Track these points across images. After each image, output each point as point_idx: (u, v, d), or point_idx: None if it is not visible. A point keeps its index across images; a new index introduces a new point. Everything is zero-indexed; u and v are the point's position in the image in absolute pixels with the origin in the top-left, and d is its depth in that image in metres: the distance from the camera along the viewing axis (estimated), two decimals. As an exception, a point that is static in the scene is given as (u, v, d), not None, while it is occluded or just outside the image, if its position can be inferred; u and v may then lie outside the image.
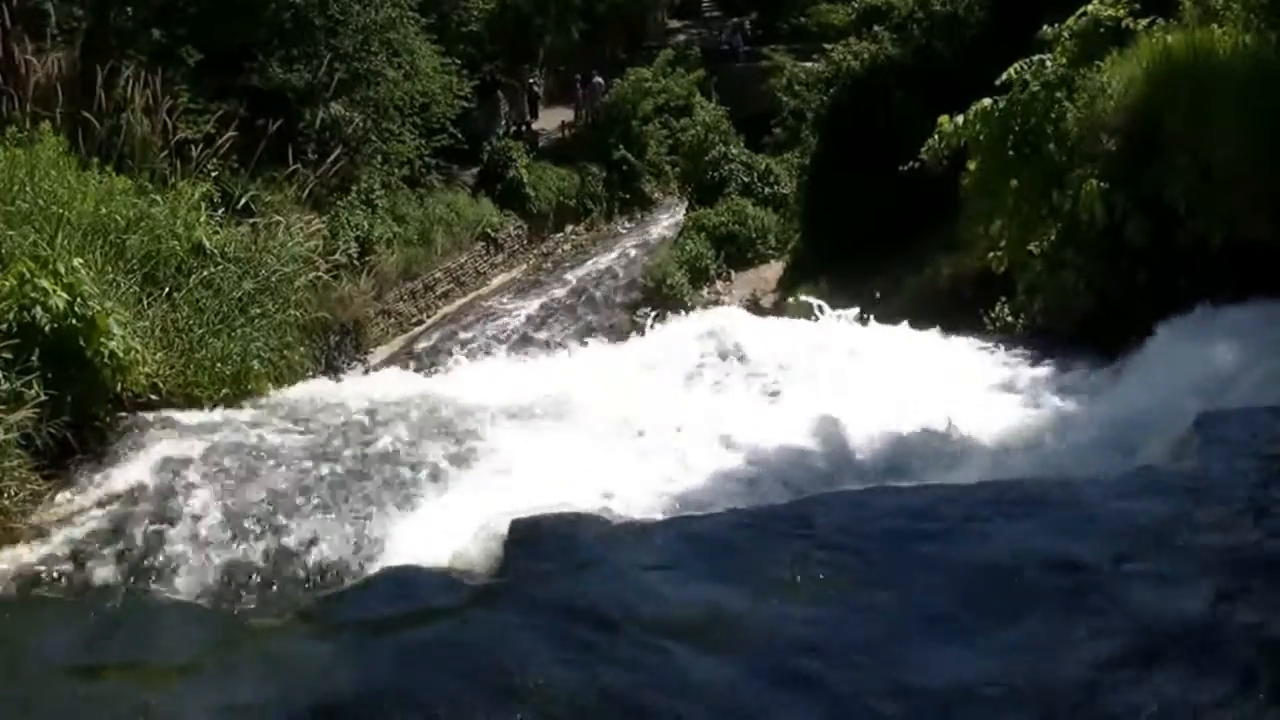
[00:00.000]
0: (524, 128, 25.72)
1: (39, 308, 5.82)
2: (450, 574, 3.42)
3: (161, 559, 5.04)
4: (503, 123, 25.03)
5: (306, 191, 12.17)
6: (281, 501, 5.53)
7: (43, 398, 5.60)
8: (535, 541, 3.31)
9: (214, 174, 9.30)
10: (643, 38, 32.94)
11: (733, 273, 20.80)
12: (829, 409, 6.31)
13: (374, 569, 4.75)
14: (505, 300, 20.97)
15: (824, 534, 3.26)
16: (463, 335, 18.76)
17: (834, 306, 8.81)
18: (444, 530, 4.93)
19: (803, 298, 11.03)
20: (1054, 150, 8.03)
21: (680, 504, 5.22)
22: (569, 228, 24.44)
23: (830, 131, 16.05)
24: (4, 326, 5.69)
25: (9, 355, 5.60)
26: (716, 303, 17.89)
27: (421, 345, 18.03)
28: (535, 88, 26.76)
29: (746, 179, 22.82)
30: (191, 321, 7.21)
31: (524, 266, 22.74)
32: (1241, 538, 2.97)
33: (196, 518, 5.31)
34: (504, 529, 3.41)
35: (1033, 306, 8.47)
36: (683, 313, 10.46)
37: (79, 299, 5.99)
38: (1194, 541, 2.97)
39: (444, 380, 9.23)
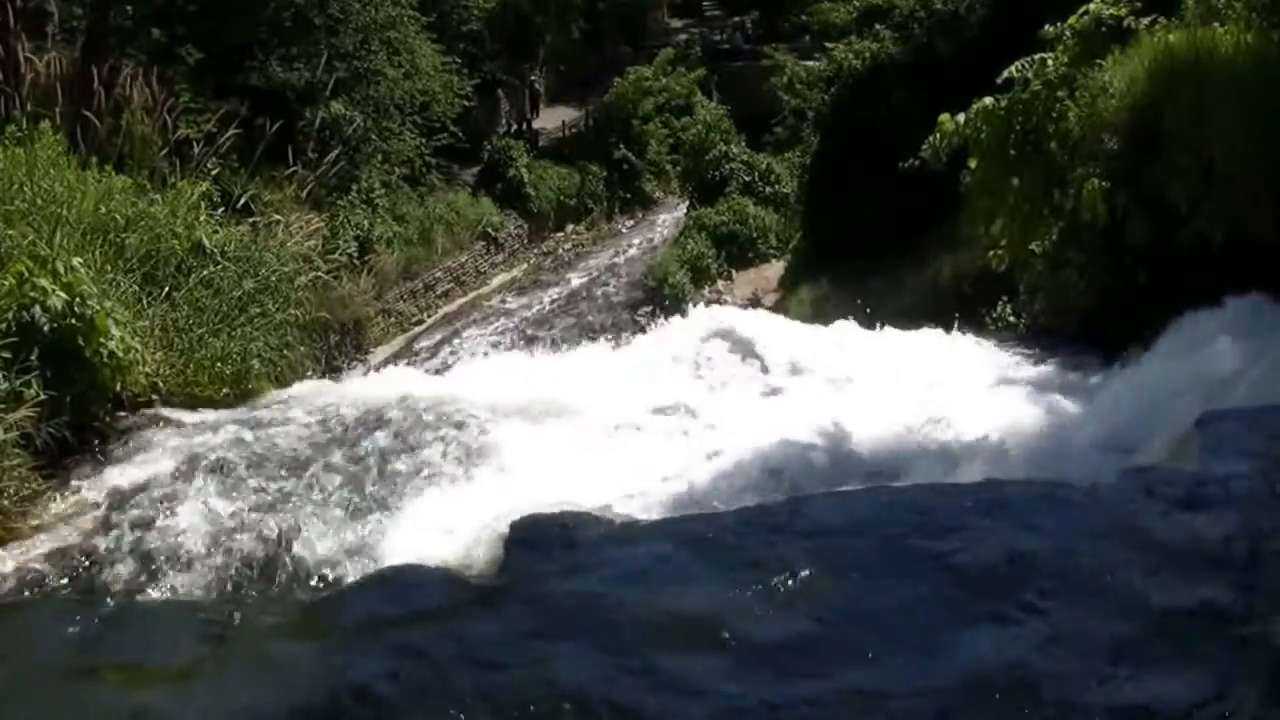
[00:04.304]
0: (524, 127, 25.72)
1: (38, 307, 5.81)
2: (450, 574, 3.41)
3: (161, 559, 5.03)
4: (503, 122, 25.04)
5: (306, 191, 12.17)
6: (281, 501, 5.52)
7: (42, 397, 5.59)
8: (535, 541, 3.29)
9: (214, 173, 9.28)
10: (643, 37, 32.93)
11: (734, 272, 20.81)
12: (829, 408, 6.30)
13: (374, 569, 4.74)
14: (506, 299, 20.98)
15: (824, 534, 3.25)
16: (463, 334, 18.76)
17: (835, 305, 8.80)
18: (444, 530, 4.93)
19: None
20: (1055, 149, 8.01)
21: (680, 504, 5.21)
22: (569, 227, 24.44)
23: (831, 130, 16.05)
24: (3, 326, 5.67)
25: (8, 355, 5.58)
26: (718, 302, 17.89)
27: (422, 344, 18.03)
28: (536, 86, 26.76)
29: (747, 178, 22.82)
30: (191, 321, 7.19)
31: (524, 266, 22.75)
32: (1242, 538, 2.95)
33: (196, 517, 5.30)
34: (504, 529, 3.40)
35: (1034, 306, 8.45)
36: (683, 312, 10.45)
37: (78, 298, 5.97)
38: (1194, 542, 2.96)
39: (444, 379, 9.22)
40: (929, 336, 8.08)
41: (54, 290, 5.89)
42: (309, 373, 8.42)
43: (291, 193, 11.95)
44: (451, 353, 17.15)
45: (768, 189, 22.54)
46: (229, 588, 4.89)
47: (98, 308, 6.07)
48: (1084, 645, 2.54)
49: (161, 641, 2.99)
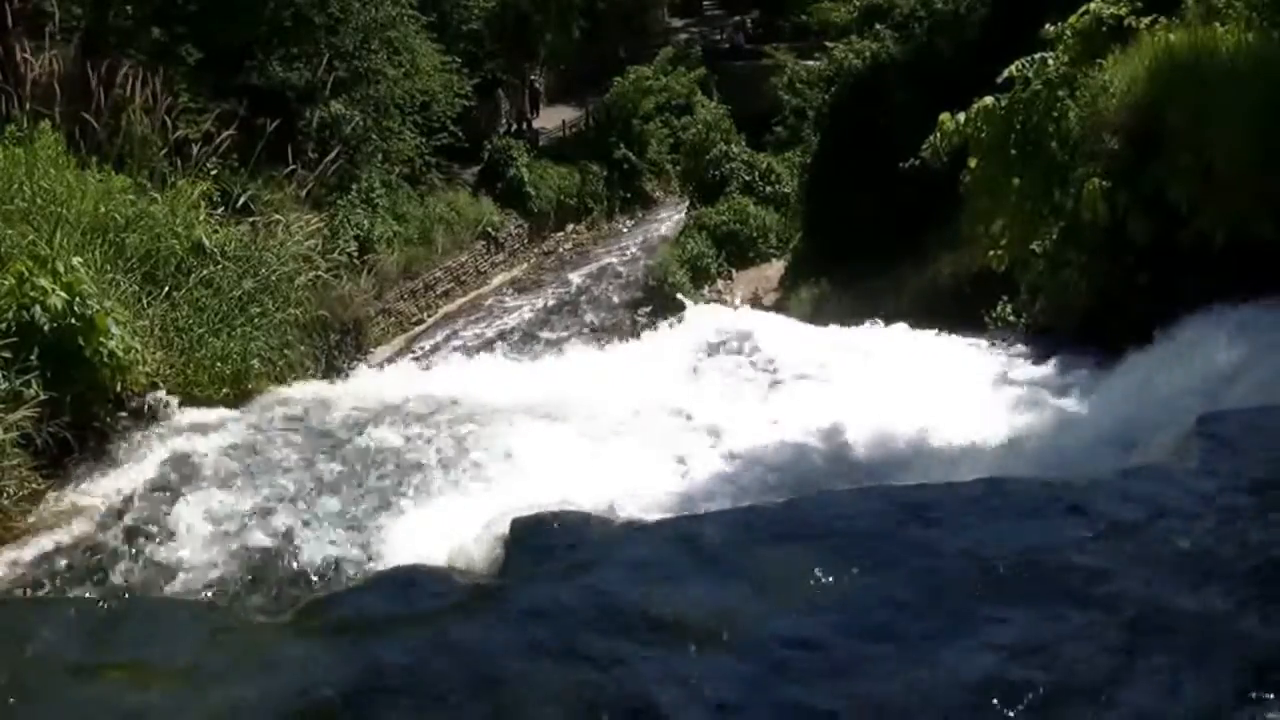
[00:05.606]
0: (524, 126, 25.72)
1: (38, 307, 5.81)
2: (450, 574, 3.40)
3: (161, 558, 5.04)
4: (503, 121, 25.04)
5: (306, 190, 12.17)
6: (281, 501, 5.52)
7: (42, 397, 5.59)
8: (535, 541, 3.28)
9: (213, 173, 9.28)
10: (644, 36, 32.92)
11: (734, 271, 20.81)
12: (829, 408, 6.30)
13: (374, 569, 4.74)
14: (506, 299, 20.98)
15: (824, 533, 3.24)
16: (464, 334, 18.77)
17: (835, 305, 8.80)
18: (444, 530, 4.92)
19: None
20: (1056, 149, 8.01)
21: (680, 504, 5.21)
22: (570, 226, 24.44)
23: (832, 130, 16.05)
24: (3, 326, 5.67)
25: (8, 355, 5.58)
26: (718, 302, 17.89)
27: (422, 344, 18.03)
28: (536, 86, 26.76)
29: (748, 178, 22.82)
30: (191, 320, 7.20)
31: (525, 265, 22.75)
32: (1242, 539, 2.94)
33: (195, 517, 5.30)
34: (504, 529, 3.39)
35: (1034, 305, 8.45)
36: (684, 311, 10.45)
37: (78, 298, 5.98)
38: (1193, 541, 2.95)
39: (444, 379, 9.22)
40: (929, 336, 8.09)
41: (54, 290, 5.89)
42: (309, 372, 8.41)
43: (291, 192, 11.95)
44: (451, 353, 17.15)
45: (768, 189, 22.54)
46: (229, 587, 4.89)
47: (98, 307, 6.07)
48: (1082, 646, 2.54)
49: (161, 641, 2.98)
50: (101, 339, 6.02)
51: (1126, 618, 2.61)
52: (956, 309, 9.33)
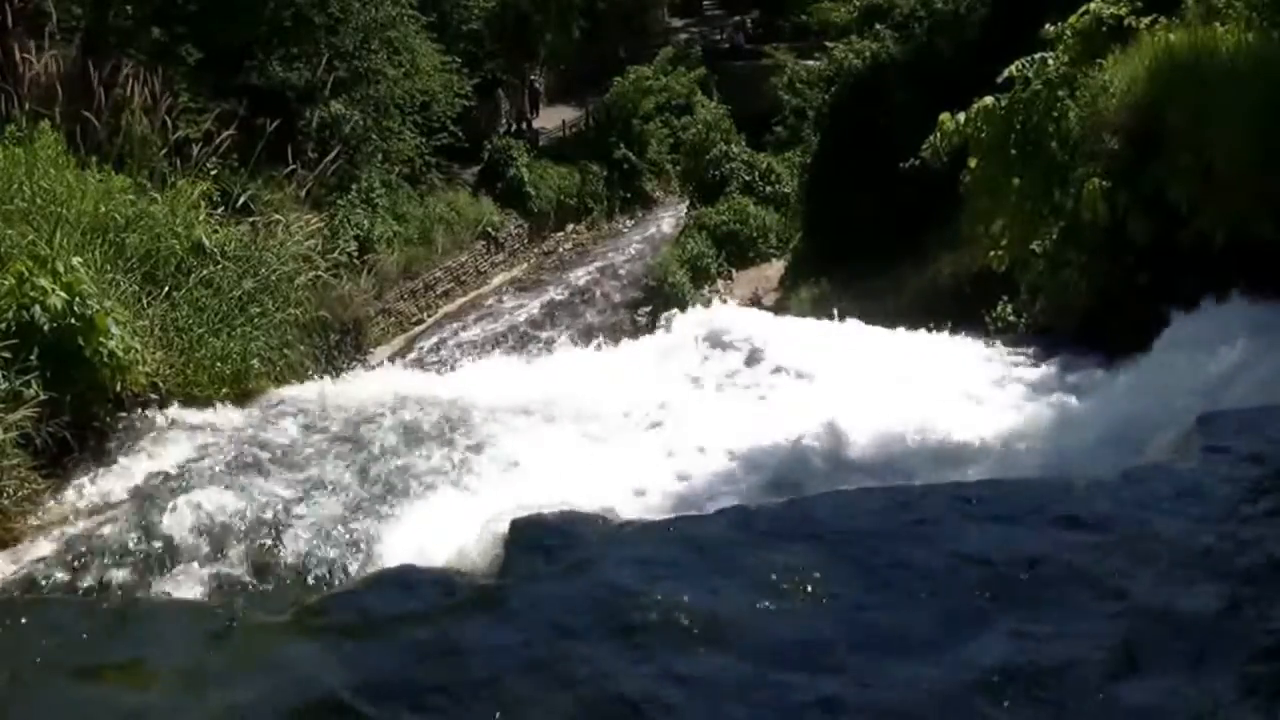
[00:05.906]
0: (524, 126, 25.73)
1: (38, 307, 5.80)
2: (450, 574, 3.41)
3: (160, 558, 5.04)
4: (503, 121, 25.06)
5: (306, 190, 12.17)
6: (281, 501, 5.52)
7: (42, 397, 5.59)
8: (535, 541, 3.29)
9: (213, 173, 9.26)
10: (644, 36, 32.93)
11: (734, 271, 20.82)
12: (829, 408, 6.30)
13: (374, 569, 4.74)
14: (506, 299, 20.99)
15: (823, 533, 3.25)
16: (463, 334, 18.78)
17: (836, 305, 8.80)
18: (444, 530, 4.92)
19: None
20: (1056, 149, 8.02)
21: (680, 504, 5.21)
22: (570, 226, 24.45)
23: (832, 130, 16.07)
24: (3, 326, 5.67)
25: (8, 355, 5.58)
26: (720, 301, 17.89)
27: (422, 344, 18.05)
28: (536, 86, 26.77)
29: (748, 178, 22.84)
30: (191, 320, 7.19)
31: (525, 265, 22.76)
32: (1241, 538, 2.95)
33: (195, 517, 5.30)
34: (504, 529, 3.40)
35: (1034, 305, 8.46)
36: (684, 311, 10.45)
37: (78, 298, 5.97)
38: (1193, 541, 2.96)
39: (444, 379, 9.23)
40: (929, 336, 8.08)
41: (54, 290, 5.88)
42: (309, 372, 8.40)
43: (291, 192, 11.95)
44: (451, 352, 17.16)
45: (768, 188, 22.56)
46: (229, 587, 4.89)
47: (98, 307, 6.06)
48: (1082, 645, 2.54)
49: (161, 641, 2.98)
50: (101, 339, 6.02)
51: (1126, 615, 2.62)
52: (956, 309, 9.34)
